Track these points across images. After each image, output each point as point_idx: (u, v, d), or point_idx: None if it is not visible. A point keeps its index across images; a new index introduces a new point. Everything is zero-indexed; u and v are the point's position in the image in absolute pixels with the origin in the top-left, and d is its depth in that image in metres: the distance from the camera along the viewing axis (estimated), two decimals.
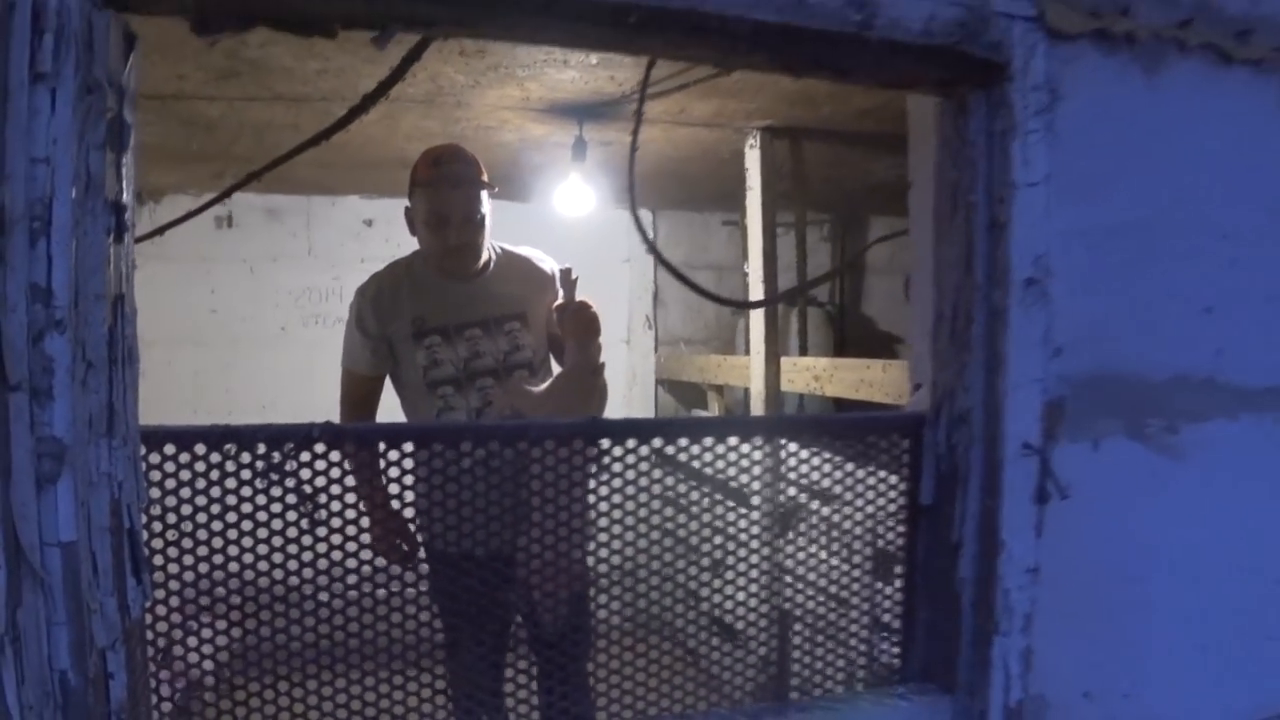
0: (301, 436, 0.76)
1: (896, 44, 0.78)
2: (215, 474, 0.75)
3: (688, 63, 0.95)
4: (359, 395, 1.69)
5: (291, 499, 0.78)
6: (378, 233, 3.08)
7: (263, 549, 0.79)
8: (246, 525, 0.77)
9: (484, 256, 1.68)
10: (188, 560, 0.77)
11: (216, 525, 0.77)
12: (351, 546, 0.83)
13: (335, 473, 0.79)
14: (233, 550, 0.78)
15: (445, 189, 1.60)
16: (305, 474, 0.77)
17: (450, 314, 1.64)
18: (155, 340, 2.71)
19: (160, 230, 1.65)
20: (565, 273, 1.64)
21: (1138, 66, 0.87)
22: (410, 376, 1.65)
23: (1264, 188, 0.94)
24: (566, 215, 2.71)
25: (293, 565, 0.79)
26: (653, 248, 1.81)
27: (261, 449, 0.75)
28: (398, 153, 2.58)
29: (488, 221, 1.65)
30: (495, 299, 1.66)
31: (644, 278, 3.74)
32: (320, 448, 0.77)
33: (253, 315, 2.97)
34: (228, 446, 0.75)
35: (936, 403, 0.87)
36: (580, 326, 1.54)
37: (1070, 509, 0.85)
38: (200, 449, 0.75)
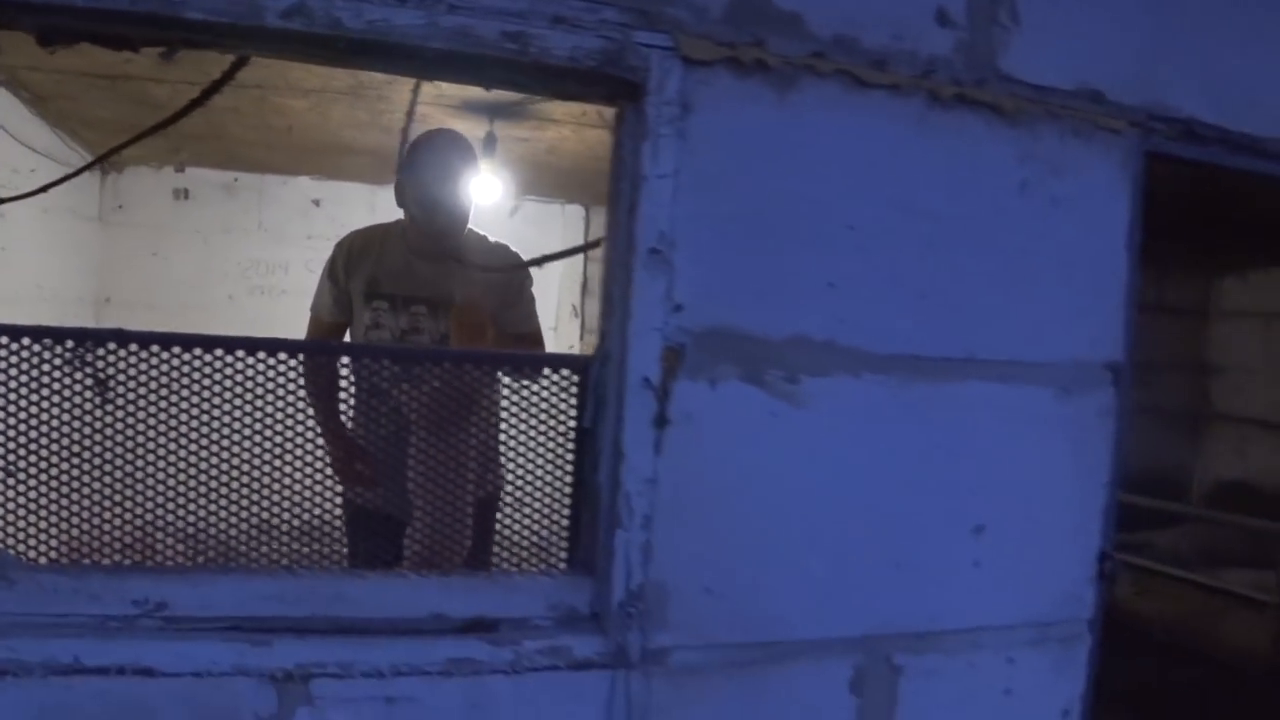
0: (99, 335, 1.08)
1: (549, 67, 1.07)
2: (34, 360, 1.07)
3: (401, 76, 1.23)
4: (320, 339, 1.90)
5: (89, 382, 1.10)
6: (324, 213, 3.44)
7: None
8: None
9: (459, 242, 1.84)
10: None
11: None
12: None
13: (123, 365, 1.11)
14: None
15: (442, 177, 1.74)
16: (101, 364, 1.09)
17: (403, 285, 1.83)
18: (112, 299, 3.10)
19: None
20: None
21: (770, 88, 1.14)
22: (356, 333, 1.89)
23: (897, 190, 1.21)
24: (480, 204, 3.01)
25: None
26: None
27: (70, 344, 1.08)
28: (334, 139, 2.93)
29: (471, 212, 1.82)
30: (450, 284, 1.82)
31: (573, 268, 4.05)
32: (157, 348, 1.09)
33: (203, 284, 3.35)
34: (45, 340, 1.07)
35: (596, 347, 1.15)
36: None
37: (691, 434, 1.12)
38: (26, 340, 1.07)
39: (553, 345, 4.10)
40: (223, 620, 1.02)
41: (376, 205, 3.19)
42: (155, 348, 1.11)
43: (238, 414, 1.14)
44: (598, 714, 1.11)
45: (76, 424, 1.11)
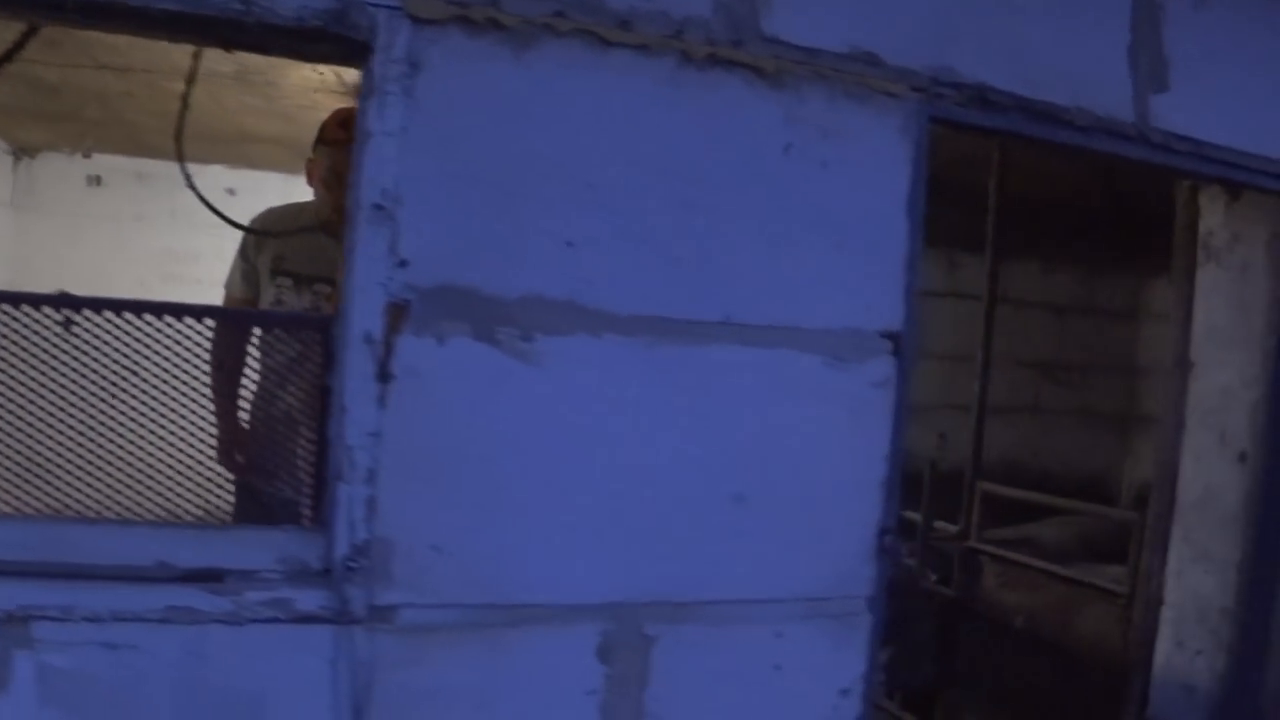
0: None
1: (275, 26, 1.12)
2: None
3: (136, 37, 1.30)
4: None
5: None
6: (240, 202, 3.52)
7: None
8: None
9: None
10: None
11: None
12: None
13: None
14: None
15: (346, 153, 1.87)
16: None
17: (308, 264, 1.89)
18: (25, 286, 3.20)
19: None
20: None
21: (506, 47, 1.19)
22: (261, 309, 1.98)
23: (646, 150, 1.25)
24: None
25: None
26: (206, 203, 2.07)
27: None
28: (234, 126, 3.01)
29: None
30: None
31: None
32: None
33: (115, 271, 3.45)
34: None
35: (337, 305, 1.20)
36: None
37: (418, 389, 1.16)
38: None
39: None
40: None
41: (292, 194, 3.27)
42: None
43: None
44: (322, 669, 1.15)
45: None
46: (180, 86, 2.56)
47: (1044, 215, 3.64)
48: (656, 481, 1.26)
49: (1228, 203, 1.86)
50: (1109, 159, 1.59)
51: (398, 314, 1.15)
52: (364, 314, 1.14)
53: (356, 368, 1.14)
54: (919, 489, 2.88)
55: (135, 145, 3.19)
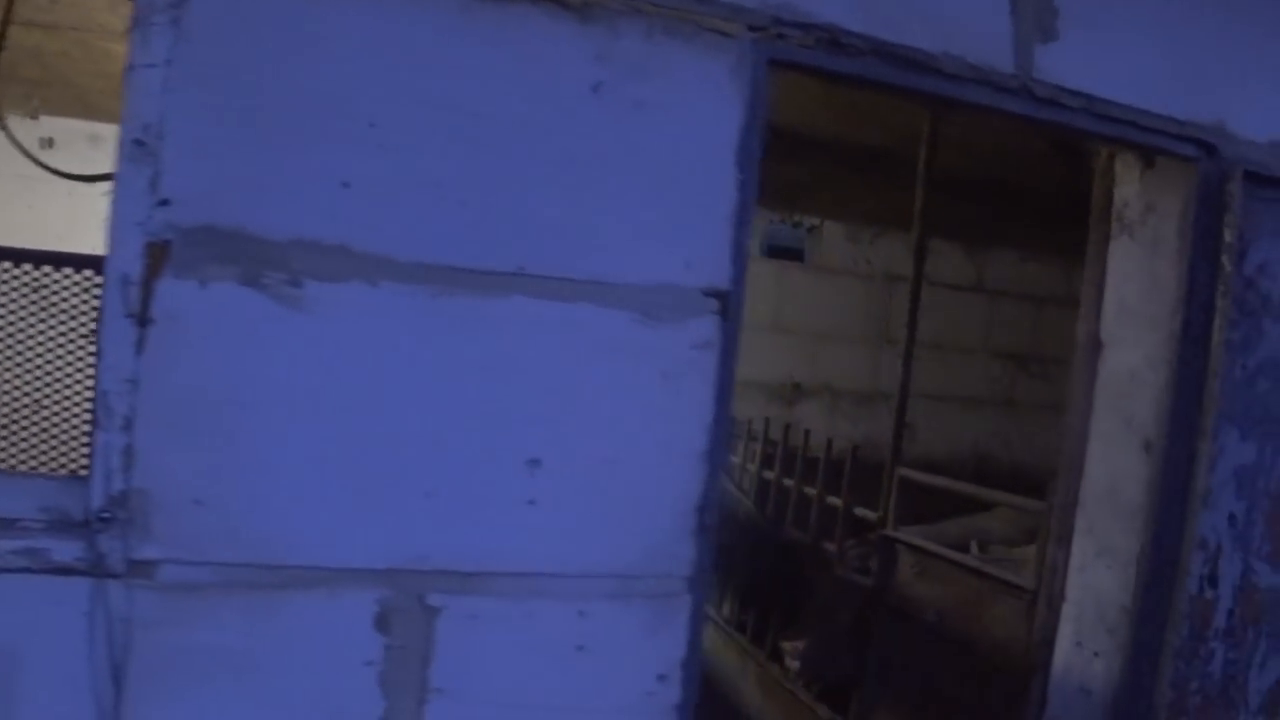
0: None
1: None
2: None
3: None
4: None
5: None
6: None
7: None
8: None
9: None
10: None
11: None
12: None
13: None
14: None
15: None
16: None
17: None
18: None
19: None
20: None
21: None
22: None
23: (435, 87, 1.21)
24: None
25: None
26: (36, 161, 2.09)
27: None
28: None
29: None
30: None
31: None
32: None
33: (68, 234, 3.54)
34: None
35: None
36: None
37: (179, 335, 1.14)
38: None
39: None
40: None
41: None
42: None
43: None
44: (78, 624, 1.14)
45: None
46: (113, 46, 2.60)
47: (1024, 201, 3.51)
48: (441, 442, 1.22)
49: (1143, 171, 1.75)
50: (986, 113, 1.50)
51: (158, 255, 1.13)
52: (122, 255, 1.12)
53: (114, 310, 1.13)
54: (877, 479, 2.81)
55: (84, 108, 3.27)
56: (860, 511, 2.77)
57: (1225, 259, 1.64)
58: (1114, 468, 1.68)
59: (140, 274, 1.13)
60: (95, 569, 1.14)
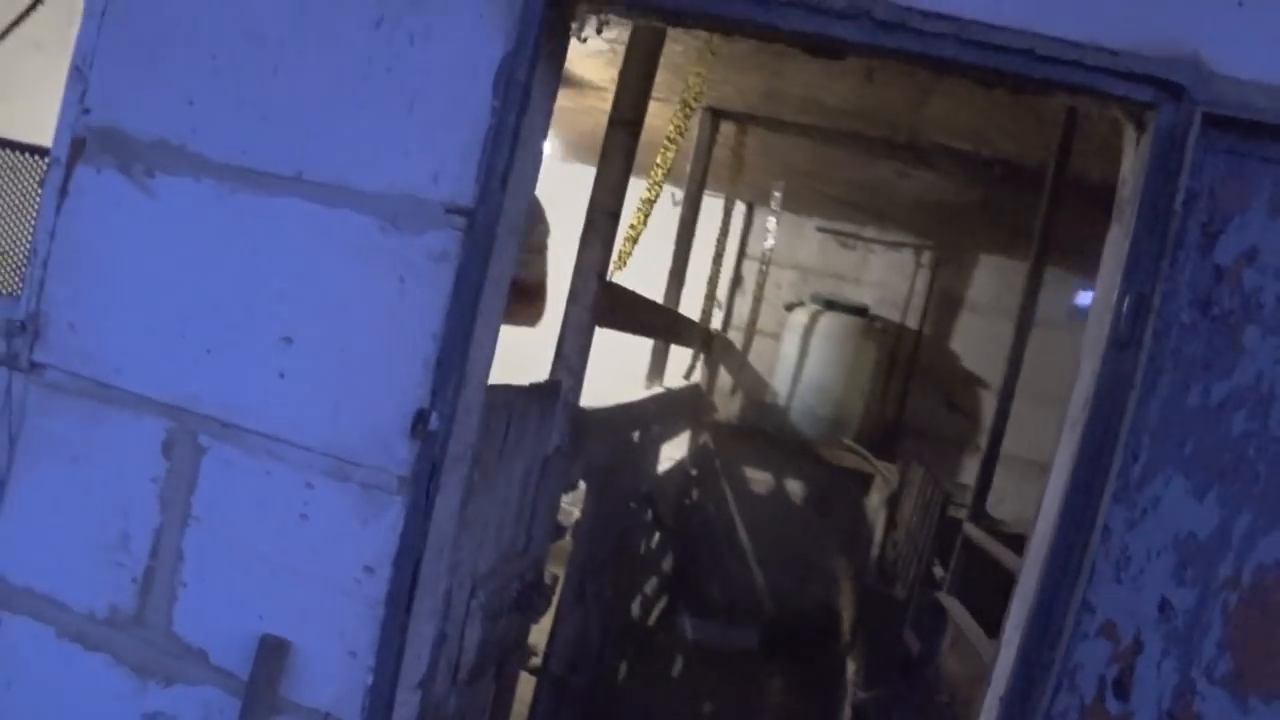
0: None
1: None
2: None
3: None
4: None
5: None
6: None
7: None
8: None
9: None
10: None
11: None
12: None
13: None
14: None
15: None
16: None
17: None
18: None
19: None
20: None
21: None
22: None
23: (248, 24, 1.60)
24: None
25: None
26: None
27: None
28: None
29: None
30: None
31: (727, 264, 4.40)
32: None
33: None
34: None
35: None
36: None
37: (81, 204, 1.68)
38: None
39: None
40: None
41: None
42: None
43: None
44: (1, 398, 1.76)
45: None
46: None
47: None
48: (221, 307, 1.61)
49: (1139, 137, 1.45)
50: (820, 43, 1.44)
51: (78, 147, 1.71)
52: (59, 146, 1.72)
53: (51, 183, 1.73)
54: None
55: None
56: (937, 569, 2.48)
57: (1171, 237, 1.32)
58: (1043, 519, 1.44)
59: (66, 160, 1.72)
60: (12, 362, 1.74)
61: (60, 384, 1.71)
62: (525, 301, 2.39)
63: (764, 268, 4.81)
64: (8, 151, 2.00)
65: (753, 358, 4.82)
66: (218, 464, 1.62)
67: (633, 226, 2.94)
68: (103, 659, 1.66)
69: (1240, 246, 1.32)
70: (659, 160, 2.97)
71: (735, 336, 4.96)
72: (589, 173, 2.46)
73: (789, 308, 4.70)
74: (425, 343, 1.52)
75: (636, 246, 2.96)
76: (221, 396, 1.62)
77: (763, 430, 4.71)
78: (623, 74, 2.50)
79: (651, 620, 4.07)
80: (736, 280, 4.79)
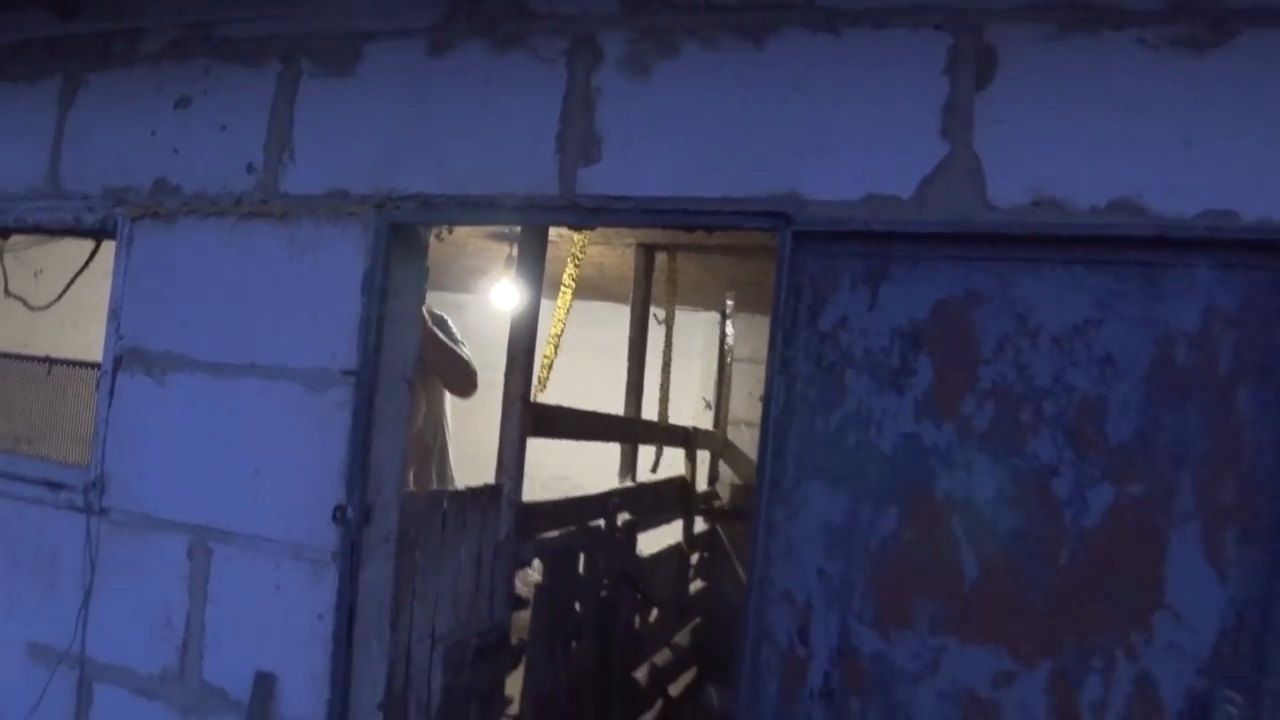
0: None
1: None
2: None
3: None
4: None
5: None
6: None
7: None
8: None
9: None
10: None
11: None
12: None
13: None
14: None
15: None
16: None
17: None
18: None
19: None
20: None
21: (162, 223, 2.75)
22: None
23: (220, 272, 2.66)
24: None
25: None
26: None
27: None
28: None
29: None
30: None
31: (710, 369, 5.27)
32: None
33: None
34: None
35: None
36: None
37: (123, 400, 2.75)
38: None
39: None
40: None
41: None
42: None
43: None
44: (81, 537, 2.79)
45: None
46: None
47: None
48: (213, 454, 2.61)
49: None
50: (551, 224, 2.37)
51: (118, 361, 2.79)
52: (106, 361, 2.81)
53: (103, 387, 2.81)
54: None
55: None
56: None
57: (779, 320, 2.15)
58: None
59: (112, 370, 2.79)
60: (89, 509, 2.79)
61: (119, 520, 2.74)
62: (449, 379, 3.49)
63: (729, 365, 5.67)
64: (81, 369, 3.11)
65: (747, 448, 5.61)
66: (221, 560, 2.60)
67: (546, 356, 3.89)
68: (160, 705, 2.62)
69: (835, 317, 2.14)
70: (559, 303, 3.93)
71: (733, 432, 5.77)
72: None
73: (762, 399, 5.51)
74: (338, 460, 2.47)
75: (551, 371, 3.90)
76: (219, 514, 2.61)
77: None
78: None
79: (676, 692, 4.77)
80: (722, 381, 5.63)
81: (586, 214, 2.33)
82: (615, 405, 4.33)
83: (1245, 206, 1.95)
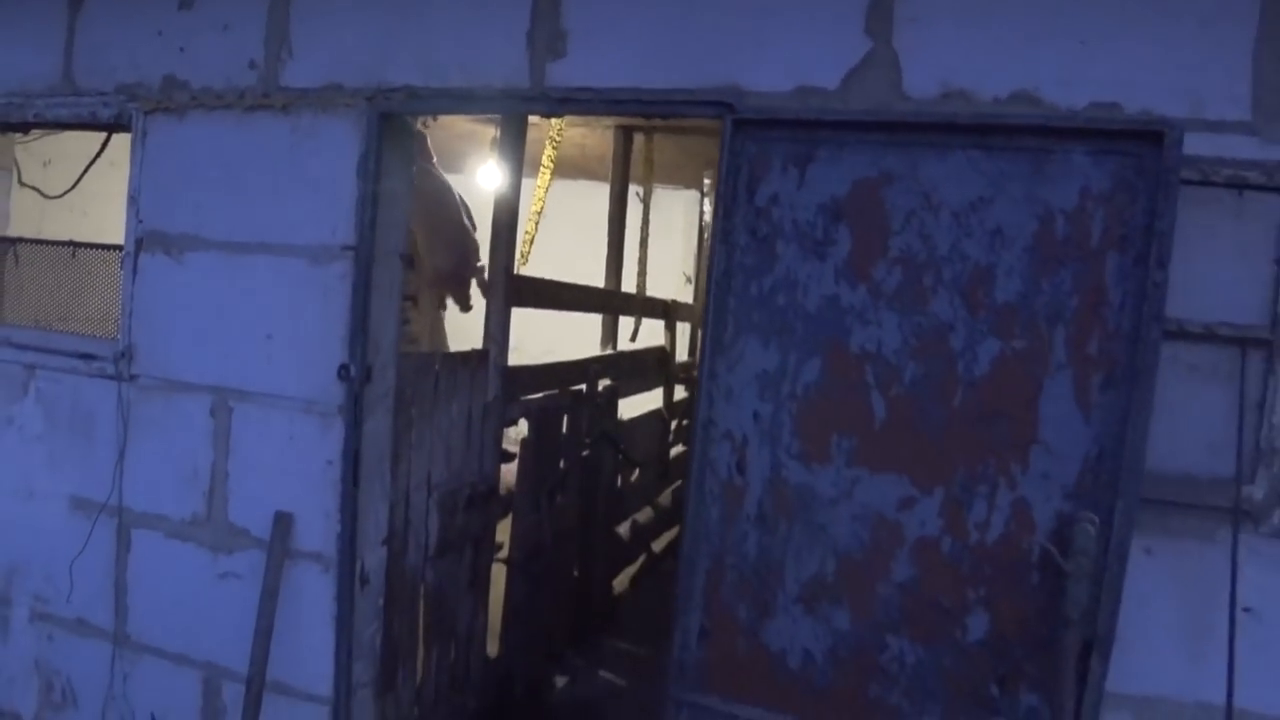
0: None
1: None
2: None
3: None
4: None
5: None
6: None
7: None
8: None
9: None
10: None
11: None
12: None
13: None
14: None
15: None
16: None
17: None
18: None
19: None
20: None
21: (175, 116, 3.09)
22: None
23: (226, 158, 3.02)
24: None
25: None
26: None
27: None
28: None
29: None
30: None
31: (689, 248, 5.61)
32: None
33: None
34: None
35: None
36: None
37: (147, 277, 3.15)
38: None
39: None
40: None
41: None
42: None
43: None
44: (113, 398, 3.24)
45: None
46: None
47: None
48: (229, 324, 3.04)
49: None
50: (523, 113, 2.72)
51: (139, 244, 3.18)
52: (128, 243, 3.20)
53: (127, 267, 3.21)
54: None
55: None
56: None
57: (721, 197, 2.53)
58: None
59: (134, 252, 3.19)
60: (119, 376, 3.23)
61: (147, 385, 3.18)
62: (449, 286, 3.80)
63: (708, 240, 6.06)
64: (104, 251, 3.49)
65: None
66: (240, 416, 3.05)
67: (527, 232, 4.27)
68: (192, 545, 3.12)
69: (768, 194, 2.52)
70: (539, 182, 4.29)
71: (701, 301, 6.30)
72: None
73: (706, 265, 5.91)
74: (341, 325, 2.89)
75: (533, 246, 4.29)
76: (238, 376, 3.05)
77: None
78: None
79: (659, 548, 5.30)
80: (701, 255, 6.00)
81: (554, 104, 2.69)
82: (597, 280, 4.72)
83: (1128, 99, 2.30)
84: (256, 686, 2.92)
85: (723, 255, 2.56)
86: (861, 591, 2.47)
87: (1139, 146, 2.24)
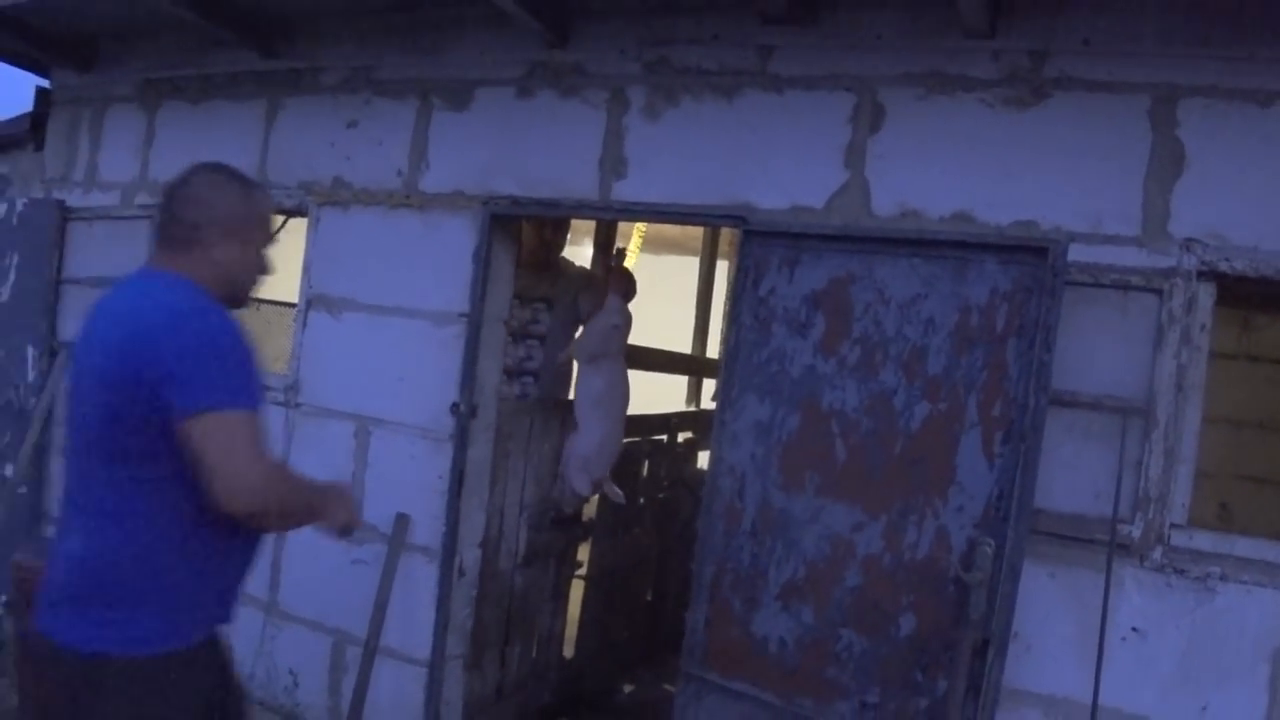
0: None
1: None
2: None
3: None
4: None
5: None
6: None
7: None
8: None
9: None
10: None
11: None
12: None
13: None
14: None
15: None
16: None
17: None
18: None
19: None
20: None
21: (340, 209, 4.48)
22: None
23: (379, 245, 4.38)
24: None
25: None
26: None
27: None
28: None
29: None
30: None
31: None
32: None
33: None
34: None
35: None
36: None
37: (314, 330, 4.55)
38: None
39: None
40: None
41: None
42: None
43: None
44: (280, 420, 4.62)
45: None
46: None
47: None
48: (371, 367, 4.39)
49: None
50: (594, 219, 3.95)
51: (309, 303, 4.58)
52: (301, 302, 4.62)
53: (299, 321, 4.62)
54: None
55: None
56: None
57: (733, 289, 3.67)
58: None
59: (304, 309, 4.60)
60: (287, 404, 4.63)
61: (308, 411, 4.57)
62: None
63: None
64: (281, 306, 4.91)
65: None
66: (375, 438, 4.38)
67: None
68: None
69: (768, 287, 3.66)
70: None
71: None
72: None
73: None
74: (454, 373, 4.19)
75: None
76: (375, 407, 4.39)
77: None
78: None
79: None
80: None
81: (617, 212, 3.93)
82: (684, 346, 5.88)
83: (1043, 217, 3.34)
84: (372, 649, 4.19)
85: (733, 333, 3.70)
86: (822, 593, 3.51)
87: (1033, 258, 3.26)
